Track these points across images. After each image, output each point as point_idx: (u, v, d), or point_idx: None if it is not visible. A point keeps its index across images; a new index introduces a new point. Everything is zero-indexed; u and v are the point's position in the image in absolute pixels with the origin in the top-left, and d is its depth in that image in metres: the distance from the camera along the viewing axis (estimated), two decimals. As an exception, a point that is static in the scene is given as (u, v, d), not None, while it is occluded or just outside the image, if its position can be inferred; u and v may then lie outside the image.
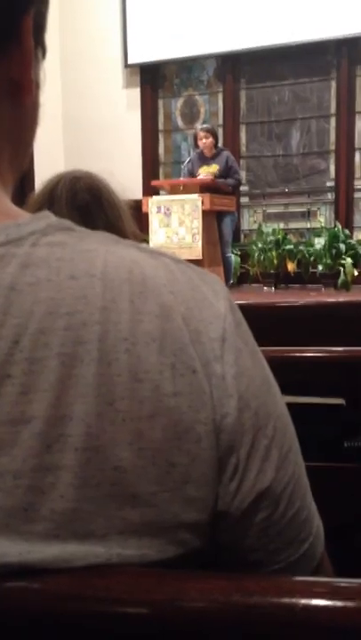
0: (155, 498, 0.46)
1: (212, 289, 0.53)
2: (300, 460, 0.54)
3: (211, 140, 6.54)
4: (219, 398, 0.49)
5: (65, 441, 0.44)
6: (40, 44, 0.54)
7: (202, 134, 6.60)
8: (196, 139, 6.82)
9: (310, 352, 1.39)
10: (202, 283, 0.53)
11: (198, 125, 7.61)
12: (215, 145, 6.62)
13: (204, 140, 6.56)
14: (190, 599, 0.43)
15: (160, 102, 8.88)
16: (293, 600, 0.42)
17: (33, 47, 0.51)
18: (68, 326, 0.45)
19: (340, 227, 7.76)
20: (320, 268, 7.56)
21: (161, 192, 6.87)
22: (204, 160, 6.59)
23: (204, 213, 5.78)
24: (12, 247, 0.47)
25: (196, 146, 6.80)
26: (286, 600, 0.43)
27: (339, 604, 0.42)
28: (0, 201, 0.51)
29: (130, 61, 8.54)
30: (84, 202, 1.27)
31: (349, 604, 0.42)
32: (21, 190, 0.69)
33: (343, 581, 0.45)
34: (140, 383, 0.46)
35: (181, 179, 6.65)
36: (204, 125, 6.95)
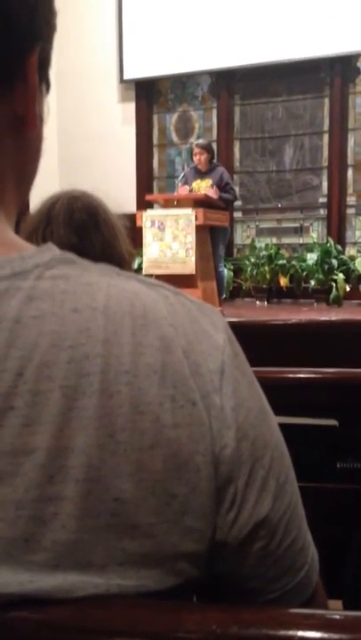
0: (154, 529, 0.46)
1: (210, 321, 0.54)
2: (297, 490, 0.55)
3: (205, 156, 6.57)
4: (218, 430, 0.49)
5: (67, 472, 0.44)
6: (44, 79, 0.55)
7: (197, 150, 6.63)
8: (192, 153, 6.86)
9: (303, 373, 1.40)
10: (200, 315, 0.54)
11: (193, 140, 7.63)
12: (210, 161, 6.65)
13: (198, 157, 6.59)
14: (188, 631, 0.44)
15: (155, 117, 8.93)
16: (290, 632, 0.43)
17: (38, 83, 0.52)
18: (70, 359, 0.46)
19: (332, 242, 7.80)
20: (312, 283, 7.59)
21: (155, 206, 6.89)
22: (198, 174, 6.62)
23: (198, 228, 5.79)
24: (17, 280, 0.47)
25: (193, 160, 6.84)
26: (283, 632, 0.43)
27: (334, 636, 0.43)
28: (4, 232, 0.52)
29: (125, 76, 8.60)
30: (81, 221, 1.28)
31: (344, 636, 0.43)
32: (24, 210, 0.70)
33: (338, 614, 0.46)
34: (141, 415, 0.47)
35: (175, 193, 6.67)
36: (200, 141, 6.98)
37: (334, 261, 7.54)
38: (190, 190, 6.47)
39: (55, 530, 0.44)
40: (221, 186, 6.49)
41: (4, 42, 0.49)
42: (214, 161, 6.77)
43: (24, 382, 0.45)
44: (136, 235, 5.74)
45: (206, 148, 6.64)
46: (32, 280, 0.48)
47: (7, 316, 0.46)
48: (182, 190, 6.43)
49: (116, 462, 0.45)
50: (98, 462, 0.45)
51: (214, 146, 7.26)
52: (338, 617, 0.45)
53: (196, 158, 6.63)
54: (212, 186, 6.44)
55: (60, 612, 0.44)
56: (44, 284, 0.48)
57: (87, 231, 1.27)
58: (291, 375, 1.41)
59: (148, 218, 5.97)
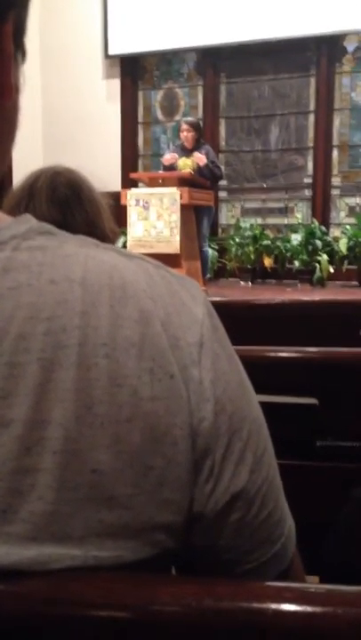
0: (131, 500, 0.46)
1: (190, 294, 0.54)
2: (274, 463, 0.55)
3: (193, 134, 6.53)
4: (196, 403, 0.49)
5: (44, 444, 0.44)
6: (20, 47, 0.53)
7: (184, 127, 6.59)
8: (179, 130, 6.81)
9: (285, 352, 1.40)
10: (180, 288, 0.53)
11: (179, 118, 7.57)
12: (198, 139, 6.61)
13: (185, 133, 6.55)
14: (163, 603, 0.44)
15: (140, 94, 8.85)
16: (264, 605, 0.43)
17: (13, 52, 0.51)
18: (48, 331, 0.45)
19: (316, 223, 7.81)
20: (296, 263, 7.60)
21: (140, 184, 6.85)
22: (184, 152, 6.58)
23: (183, 207, 5.77)
24: None
25: (179, 137, 6.80)
26: (257, 605, 0.43)
27: (308, 609, 0.43)
28: None
29: (110, 52, 8.49)
30: (64, 197, 1.27)
31: (318, 609, 0.43)
32: (0, 183, 0.69)
33: (312, 587, 0.46)
34: (119, 388, 0.46)
35: (160, 172, 6.64)
36: (188, 119, 6.93)
37: (318, 242, 7.55)
38: (175, 167, 6.43)
39: (32, 501, 0.44)
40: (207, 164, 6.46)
41: None
42: (201, 140, 6.73)
43: (0, 354, 0.44)
44: (120, 213, 5.71)
45: (194, 126, 6.60)
46: (8, 251, 0.47)
47: None
48: (170, 158, 6.38)
49: (93, 434, 0.45)
50: (75, 434, 0.45)
51: (201, 124, 7.22)
52: (312, 590, 0.45)
53: (182, 135, 6.59)
54: (197, 165, 6.40)
55: (36, 585, 0.44)
56: (20, 256, 0.47)
57: (70, 207, 1.26)
58: (272, 354, 1.41)
59: (132, 196, 5.94)
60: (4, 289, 0.46)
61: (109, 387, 0.46)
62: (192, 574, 0.53)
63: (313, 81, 8.08)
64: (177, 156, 6.46)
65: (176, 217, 5.76)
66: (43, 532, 0.44)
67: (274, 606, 0.43)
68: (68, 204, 1.26)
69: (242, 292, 7.03)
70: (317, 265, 7.40)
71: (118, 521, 0.46)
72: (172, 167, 6.54)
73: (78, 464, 0.45)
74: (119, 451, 0.46)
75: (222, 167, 7.39)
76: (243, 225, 8.08)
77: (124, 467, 0.46)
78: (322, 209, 8.09)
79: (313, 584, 0.45)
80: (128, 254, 0.54)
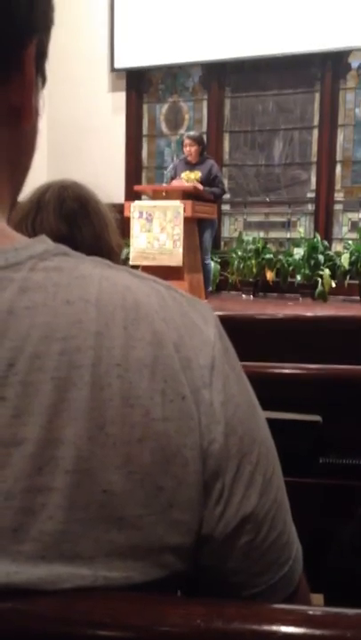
0: (141, 521, 0.47)
1: (201, 316, 0.54)
2: (282, 485, 0.55)
3: (196, 148, 6.55)
4: (206, 425, 0.50)
5: (56, 463, 0.45)
6: (41, 72, 0.54)
7: (187, 141, 6.61)
8: (182, 144, 6.84)
9: (288, 369, 1.40)
10: (192, 309, 0.54)
11: (183, 132, 7.60)
12: (201, 153, 6.63)
13: (188, 148, 6.57)
14: (172, 624, 0.44)
15: (145, 107, 8.89)
16: (273, 628, 0.43)
17: (34, 75, 0.52)
18: (62, 351, 0.46)
19: (319, 238, 7.82)
20: (298, 277, 7.61)
21: (143, 197, 6.87)
22: (187, 166, 6.61)
23: (186, 220, 5.78)
24: (10, 272, 0.47)
25: (182, 152, 6.82)
26: (266, 627, 0.44)
27: (317, 632, 0.43)
28: None
29: (116, 65, 8.54)
30: (72, 210, 1.27)
31: (326, 632, 0.44)
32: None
33: (321, 610, 0.46)
34: (131, 408, 0.47)
35: (164, 184, 6.66)
36: (191, 133, 6.95)
37: (321, 257, 7.56)
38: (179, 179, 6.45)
39: (43, 520, 0.44)
40: (210, 178, 6.48)
41: (3, 32, 0.48)
42: (205, 153, 6.76)
43: (15, 373, 0.45)
44: (124, 225, 5.72)
45: (197, 140, 6.62)
46: (25, 272, 0.48)
47: (0, 307, 0.46)
48: (174, 183, 6.40)
49: (105, 454, 0.46)
50: (87, 454, 0.45)
51: (205, 138, 7.25)
52: (320, 613, 0.45)
53: (186, 150, 6.61)
54: (200, 178, 6.43)
55: (44, 604, 0.44)
56: (37, 276, 0.48)
57: (77, 221, 1.27)
58: (277, 370, 1.41)
59: (135, 208, 5.96)
60: (20, 308, 0.46)
61: (122, 407, 0.47)
62: (198, 596, 0.53)
63: (317, 96, 8.12)
64: (179, 180, 6.46)
65: (179, 229, 5.77)
66: (52, 552, 0.44)
67: (283, 629, 0.43)
68: (75, 218, 1.26)
69: (243, 305, 7.03)
70: (319, 279, 7.41)
71: (128, 541, 0.46)
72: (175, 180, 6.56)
73: (89, 484, 0.45)
74: (130, 471, 0.46)
75: (225, 181, 7.41)
76: (245, 238, 8.09)
77: (134, 487, 0.46)
78: (324, 224, 8.11)
79: (321, 607, 0.46)
80: (140, 275, 0.54)
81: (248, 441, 0.52)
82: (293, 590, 0.55)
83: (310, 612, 0.46)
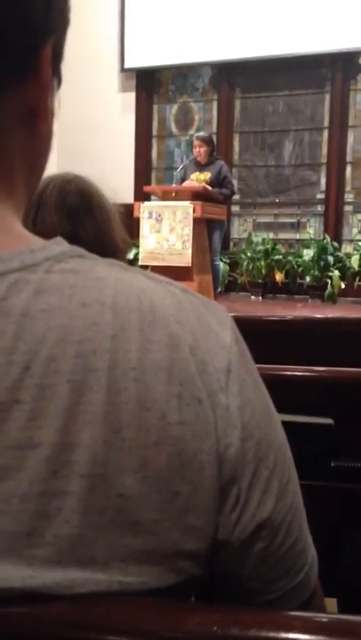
0: (157, 526, 0.46)
1: (217, 319, 0.54)
2: (298, 490, 0.55)
3: (205, 149, 6.54)
4: (223, 429, 0.49)
5: (71, 467, 0.44)
6: (56, 73, 0.54)
7: (197, 142, 6.61)
8: (192, 145, 6.84)
9: (299, 371, 1.40)
10: (207, 312, 0.53)
11: (193, 132, 7.60)
12: (211, 154, 6.63)
13: (197, 149, 6.57)
14: (188, 631, 0.43)
15: (155, 108, 8.91)
16: (290, 635, 0.43)
17: (51, 76, 0.52)
18: (78, 354, 0.45)
19: (328, 239, 7.81)
20: (308, 279, 7.60)
21: (152, 197, 6.87)
22: (197, 167, 6.61)
23: (195, 221, 5.78)
24: (26, 273, 0.47)
25: (192, 152, 6.82)
26: (283, 635, 0.43)
27: (334, 639, 0.43)
28: (13, 225, 0.52)
29: (126, 65, 8.56)
30: (74, 206, 1.23)
31: (344, 639, 0.43)
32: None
33: (338, 617, 0.45)
34: (148, 412, 0.46)
35: (174, 185, 6.66)
36: (201, 134, 6.95)
37: (330, 258, 7.55)
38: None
39: (58, 525, 0.44)
40: (220, 179, 6.48)
41: (20, 32, 0.48)
42: (215, 154, 6.75)
43: (31, 376, 0.44)
44: (133, 225, 5.73)
45: (206, 141, 6.62)
46: (41, 273, 0.47)
47: (16, 309, 0.46)
48: (186, 184, 6.39)
49: (120, 458, 0.45)
50: (103, 458, 0.45)
51: (214, 138, 7.24)
52: (337, 620, 0.45)
53: (195, 150, 6.61)
54: (210, 179, 6.43)
55: (60, 609, 0.44)
56: (52, 278, 0.48)
57: (80, 217, 1.23)
58: (287, 373, 1.41)
59: (145, 209, 5.96)
60: (35, 311, 0.46)
61: (138, 410, 0.46)
62: (213, 602, 0.53)
63: (327, 97, 8.11)
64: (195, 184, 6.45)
65: (188, 230, 5.77)
66: (67, 556, 0.44)
67: (300, 636, 0.43)
68: (78, 214, 1.23)
69: (252, 306, 7.03)
70: (329, 281, 7.40)
71: (143, 546, 0.46)
72: (185, 182, 6.56)
73: (105, 488, 0.45)
74: (146, 475, 0.46)
75: (235, 182, 7.40)
76: (254, 239, 8.09)
77: (150, 492, 0.46)
78: (334, 225, 8.09)
79: (339, 614, 0.45)
80: (155, 278, 0.54)
81: (265, 445, 0.51)
82: (309, 597, 0.54)
83: (327, 620, 0.45)
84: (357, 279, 7.43)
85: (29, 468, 0.44)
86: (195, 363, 0.49)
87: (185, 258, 5.76)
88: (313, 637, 0.43)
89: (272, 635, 0.43)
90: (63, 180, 1.26)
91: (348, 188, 8.17)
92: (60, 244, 0.50)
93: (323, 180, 8.23)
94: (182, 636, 0.43)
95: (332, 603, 0.91)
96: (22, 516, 0.44)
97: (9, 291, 0.46)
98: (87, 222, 1.23)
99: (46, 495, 0.44)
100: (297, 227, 8.40)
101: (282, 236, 8.43)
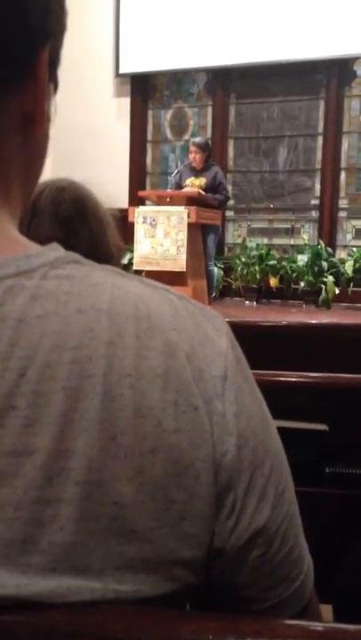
0: (152, 533, 0.46)
1: (213, 326, 0.53)
2: (294, 498, 0.55)
3: (200, 155, 6.54)
4: (219, 436, 0.49)
5: (67, 474, 0.44)
6: (53, 78, 0.54)
7: (193, 148, 6.61)
8: (188, 151, 6.85)
9: (293, 377, 1.39)
10: (204, 319, 0.53)
11: (188, 137, 7.59)
12: (206, 160, 6.63)
13: (193, 155, 6.57)
14: None
15: (149, 113, 8.91)
16: (287, 644, 0.43)
17: (47, 81, 0.51)
18: (74, 360, 0.45)
19: (323, 245, 7.82)
20: (302, 284, 7.61)
21: (147, 202, 6.87)
22: (192, 172, 6.61)
23: (190, 226, 5.78)
24: (21, 279, 0.47)
25: (187, 158, 6.83)
26: (280, 643, 0.43)
27: (332, 649, 0.43)
28: (9, 230, 0.51)
29: (121, 71, 8.57)
30: (68, 215, 1.21)
31: (342, 648, 0.43)
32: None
33: (335, 626, 0.45)
34: (143, 419, 0.46)
35: (169, 190, 6.66)
36: (197, 139, 6.94)
37: (324, 264, 7.56)
38: (184, 188, 6.46)
39: (53, 532, 0.44)
40: (215, 185, 6.48)
41: (17, 37, 0.48)
42: (210, 160, 6.75)
43: (26, 382, 0.44)
44: (127, 230, 5.73)
45: (202, 147, 6.62)
46: (37, 279, 0.47)
47: (11, 315, 0.45)
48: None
49: (116, 466, 0.45)
50: (98, 465, 0.44)
51: (210, 144, 7.25)
52: (335, 629, 0.45)
53: (191, 156, 6.62)
54: (205, 184, 6.44)
55: (55, 617, 0.43)
56: (48, 284, 0.47)
57: (74, 226, 1.21)
58: (281, 379, 1.41)
59: (140, 214, 5.96)
60: (31, 317, 0.46)
61: (133, 417, 0.46)
62: (206, 610, 0.52)
63: (322, 103, 8.13)
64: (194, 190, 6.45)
65: (183, 235, 5.77)
66: (62, 564, 0.44)
67: (297, 646, 0.42)
68: (71, 223, 1.21)
69: (247, 311, 7.03)
70: (323, 286, 7.41)
71: (139, 554, 0.46)
72: (180, 187, 6.57)
73: (100, 495, 0.45)
74: (141, 483, 0.46)
75: (230, 187, 7.40)
76: (249, 244, 8.10)
77: (145, 499, 0.46)
78: (328, 231, 8.11)
79: (336, 623, 0.45)
80: (152, 284, 0.54)
81: (261, 453, 0.51)
82: (304, 605, 0.54)
83: (324, 629, 0.45)
84: (351, 285, 7.44)
85: (24, 475, 0.44)
86: (191, 370, 0.49)
87: (179, 263, 5.76)
88: (310, 646, 0.43)
89: (269, 643, 0.43)
90: (57, 188, 1.24)
91: (342, 194, 8.19)
92: (56, 250, 0.50)
93: (317, 186, 8.25)
94: (178, 644, 0.43)
95: (327, 609, 0.91)
96: (17, 523, 0.43)
97: (5, 296, 0.46)
98: (81, 231, 1.21)
99: (41, 502, 0.44)
100: (291, 232, 8.41)
101: (276, 241, 8.44)
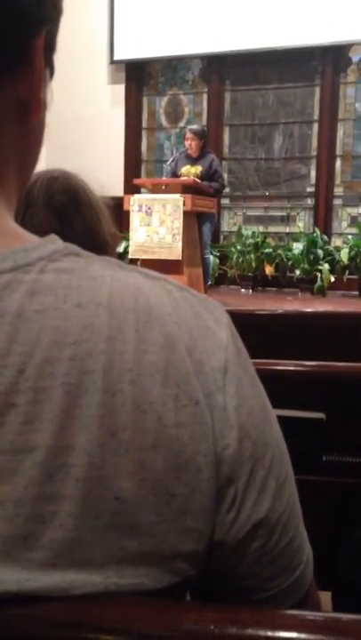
0: (153, 528, 0.46)
1: (213, 317, 0.53)
2: (295, 488, 0.55)
3: (197, 142, 6.51)
4: (220, 430, 0.49)
5: (67, 471, 0.44)
6: (49, 64, 0.53)
7: (189, 135, 6.58)
8: (184, 138, 6.81)
9: (290, 365, 1.40)
10: (204, 310, 0.53)
11: (183, 125, 7.54)
12: (202, 147, 6.60)
13: (189, 142, 6.54)
14: (185, 630, 0.43)
15: (144, 100, 8.86)
16: (288, 634, 0.43)
17: (43, 68, 0.51)
18: (73, 356, 0.45)
19: (318, 232, 7.81)
20: (297, 272, 7.61)
21: (142, 190, 6.85)
22: (188, 160, 6.58)
23: (186, 214, 5.77)
24: (19, 273, 0.46)
25: (183, 145, 6.80)
26: (280, 634, 0.43)
27: (332, 638, 0.43)
28: (6, 222, 0.51)
29: (115, 58, 8.51)
30: (61, 204, 1.21)
31: (341, 638, 0.43)
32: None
33: (335, 616, 0.46)
34: (144, 414, 0.46)
35: (164, 178, 6.64)
36: (193, 127, 6.91)
37: (320, 251, 7.55)
38: (179, 176, 6.44)
39: (54, 528, 0.44)
40: (210, 173, 6.46)
41: (12, 23, 0.47)
42: (206, 148, 6.72)
43: (25, 379, 0.44)
44: (123, 218, 5.71)
45: (199, 135, 6.59)
46: (35, 273, 0.47)
47: (9, 310, 0.45)
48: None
49: (117, 461, 0.45)
50: (99, 461, 0.44)
51: (206, 132, 7.22)
52: (335, 619, 0.45)
53: (187, 143, 6.59)
54: (201, 172, 6.41)
55: (56, 610, 0.43)
56: (47, 278, 0.47)
57: (68, 215, 1.22)
58: (278, 367, 1.41)
59: (135, 202, 5.94)
60: (30, 312, 0.45)
61: (134, 413, 0.46)
62: (207, 599, 0.53)
63: (317, 90, 8.10)
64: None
65: (178, 223, 5.76)
66: (63, 559, 0.44)
67: (298, 635, 0.43)
68: (65, 212, 1.21)
69: (242, 299, 7.03)
70: (318, 274, 7.41)
71: (140, 548, 0.46)
72: (175, 175, 6.55)
73: (101, 491, 0.44)
74: (143, 478, 0.45)
75: (225, 175, 7.38)
76: (244, 232, 8.08)
77: (147, 494, 0.46)
78: (324, 218, 8.10)
79: (337, 613, 0.45)
80: (151, 276, 0.53)
81: (261, 445, 0.51)
82: (304, 595, 0.54)
83: (324, 619, 0.45)
84: (347, 272, 7.44)
85: (25, 472, 0.43)
86: (191, 363, 0.49)
87: (175, 251, 5.75)
88: (310, 636, 0.43)
89: (270, 634, 0.43)
90: (50, 178, 1.24)
91: (337, 181, 8.17)
92: (53, 242, 0.50)
93: (313, 174, 8.23)
94: (179, 635, 0.43)
95: (326, 596, 0.91)
96: (18, 520, 0.43)
97: (2, 291, 0.45)
98: (75, 221, 1.21)
99: (42, 499, 0.44)
100: (287, 220, 8.40)
101: (272, 229, 8.43)
